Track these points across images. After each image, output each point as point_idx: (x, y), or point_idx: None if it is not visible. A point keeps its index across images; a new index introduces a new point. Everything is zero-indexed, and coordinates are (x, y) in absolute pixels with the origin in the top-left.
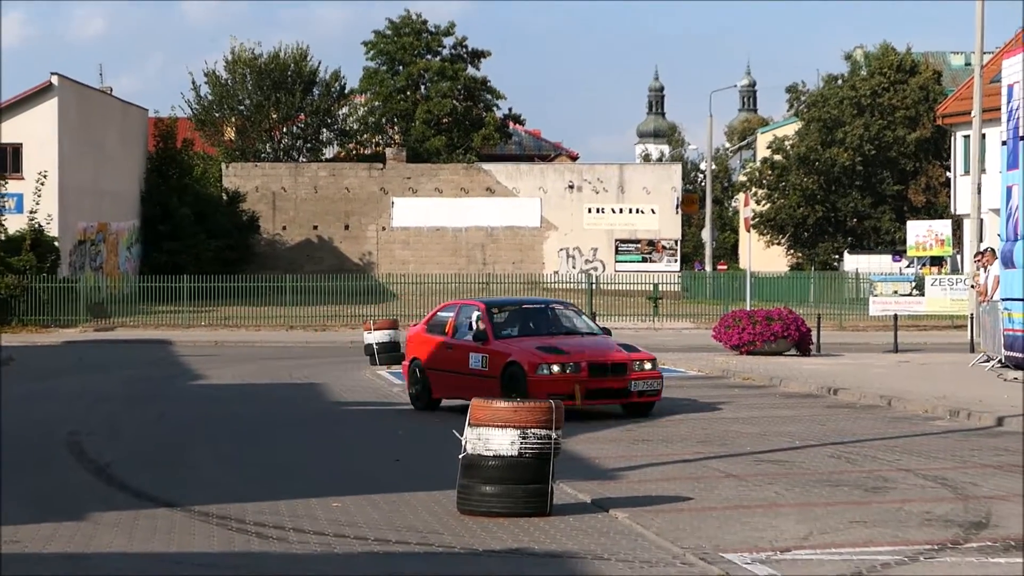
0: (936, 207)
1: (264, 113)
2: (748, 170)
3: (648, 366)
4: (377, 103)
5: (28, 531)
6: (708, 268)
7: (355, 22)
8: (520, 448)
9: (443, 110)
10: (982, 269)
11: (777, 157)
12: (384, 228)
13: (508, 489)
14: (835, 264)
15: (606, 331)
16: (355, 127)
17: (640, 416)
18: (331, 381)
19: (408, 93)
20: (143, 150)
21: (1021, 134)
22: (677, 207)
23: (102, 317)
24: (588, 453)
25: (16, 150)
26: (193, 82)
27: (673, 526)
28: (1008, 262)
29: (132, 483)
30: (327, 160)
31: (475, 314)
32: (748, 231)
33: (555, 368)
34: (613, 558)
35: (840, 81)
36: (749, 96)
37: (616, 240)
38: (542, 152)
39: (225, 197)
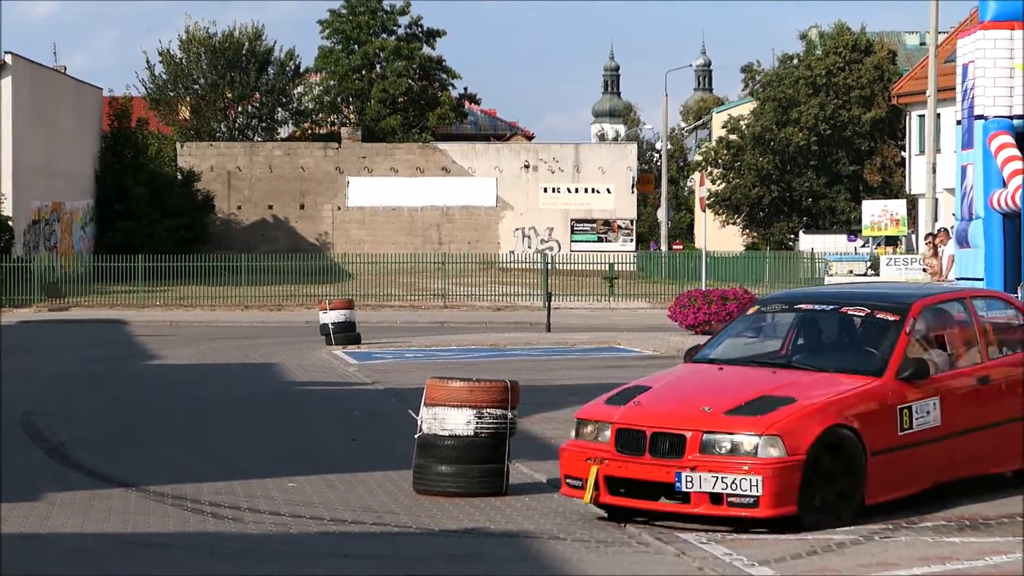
0: (891, 187)
1: (219, 92)
2: (703, 150)
3: (746, 445)
4: (332, 82)
5: None
6: (663, 248)
7: (310, 1)
8: (476, 428)
9: (398, 89)
10: (931, 248)
11: (732, 137)
12: (339, 208)
13: (464, 469)
14: (790, 244)
15: (918, 365)
16: (310, 106)
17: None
18: (287, 361)
19: (363, 72)
20: (97, 129)
21: (976, 113)
22: (633, 187)
23: (56, 297)
24: (544, 433)
25: None
26: (147, 61)
27: None
28: (963, 242)
29: (87, 463)
30: (282, 139)
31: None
32: (703, 211)
33: (587, 429)
34: (569, 538)
35: (795, 61)
36: (704, 76)
37: (572, 220)
38: (498, 131)
39: (180, 176)
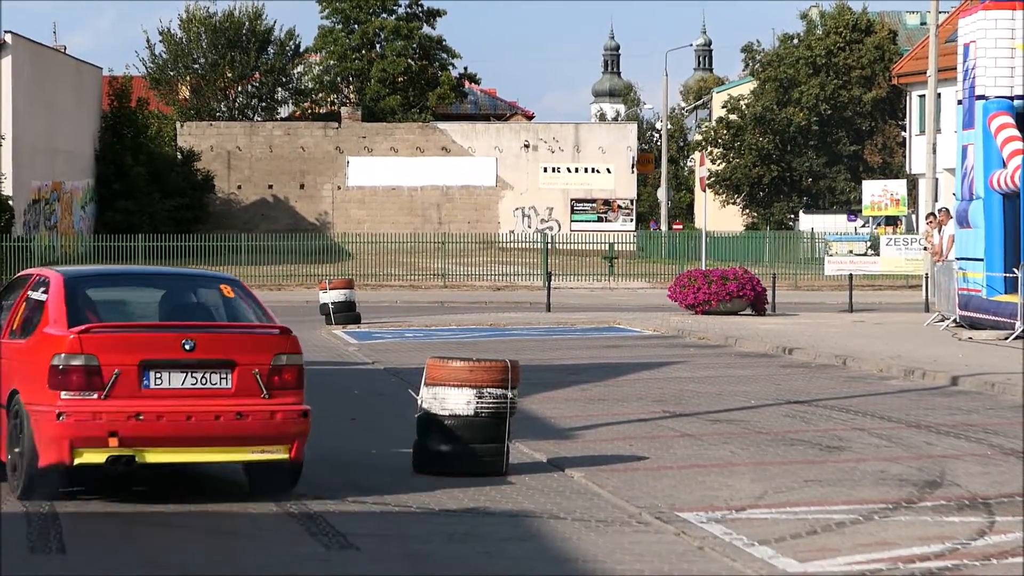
0: (892, 167)
1: (219, 72)
2: (704, 130)
3: None
4: (332, 62)
5: None
6: (663, 228)
7: None
8: (476, 407)
9: (398, 69)
10: (935, 229)
11: (732, 117)
12: (339, 187)
13: (464, 448)
14: (790, 224)
15: None
16: (310, 86)
17: None
18: None
19: (363, 52)
20: (97, 109)
21: (977, 94)
22: (632, 167)
23: None
24: (544, 412)
25: None
26: (148, 40)
27: (629, 485)
28: (964, 222)
29: None
30: (282, 119)
31: None
32: (703, 191)
33: None
34: (569, 517)
35: (796, 41)
36: (704, 55)
37: (572, 200)
38: (498, 111)
39: (180, 156)
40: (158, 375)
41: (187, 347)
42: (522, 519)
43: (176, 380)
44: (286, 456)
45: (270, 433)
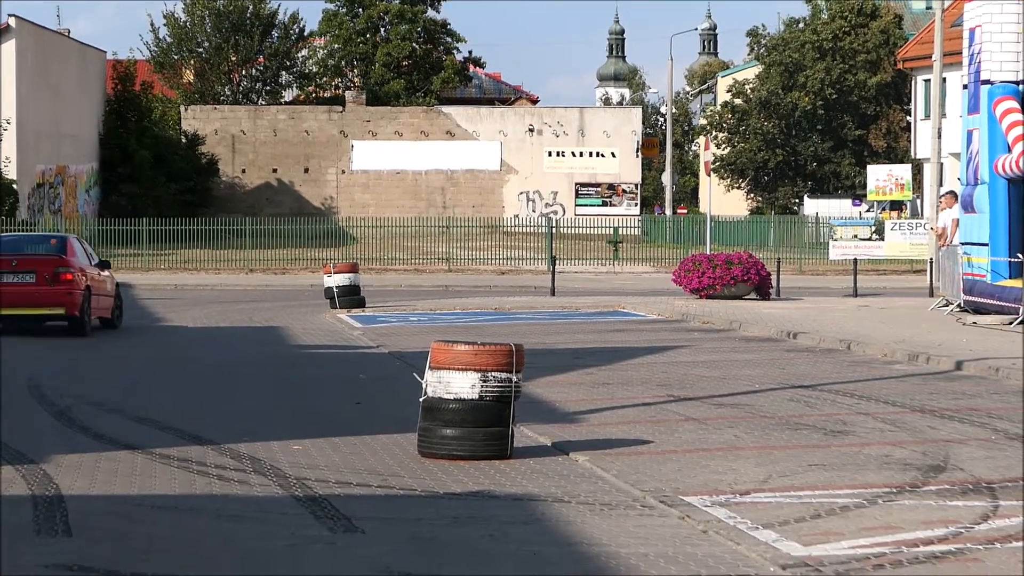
0: (896, 151)
1: (223, 55)
2: (708, 114)
3: None
4: (336, 46)
5: None
6: (668, 212)
7: None
8: (481, 391)
9: (402, 53)
10: (942, 211)
11: (737, 101)
12: (344, 171)
13: (469, 432)
14: (795, 208)
15: None
16: (314, 70)
17: None
18: (291, 324)
19: (368, 36)
20: (101, 93)
21: (982, 78)
22: (637, 151)
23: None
24: (549, 396)
25: None
26: (152, 24)
27: (633, 469)
28: (969, 206)
29: (93, 426)
30: (286, 103)
31: None
32: (708, 175)
33: None
34: (574, 501)
35: (801, 25)
36: (710, 40)
37: (576, 184)
38: (502, 95)
39: (184, 140)
40: (3, 276)
41: (14, 264)
42: (526, 502)
43: (9, 278)
44: (63, 311)
45: (53, 302)
